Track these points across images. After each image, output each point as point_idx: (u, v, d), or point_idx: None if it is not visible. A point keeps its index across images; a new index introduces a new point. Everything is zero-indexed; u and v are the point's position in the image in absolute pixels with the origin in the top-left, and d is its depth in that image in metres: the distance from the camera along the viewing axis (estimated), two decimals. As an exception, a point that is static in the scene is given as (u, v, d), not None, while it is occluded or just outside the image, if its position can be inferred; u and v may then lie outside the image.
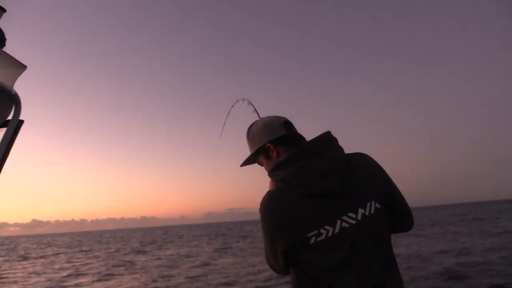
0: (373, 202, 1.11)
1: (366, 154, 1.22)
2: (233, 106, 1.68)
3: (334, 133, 1.20)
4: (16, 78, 1.07)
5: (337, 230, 1.05)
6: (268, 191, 1.15)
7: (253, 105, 1.60)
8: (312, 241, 1.04)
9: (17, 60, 1.05)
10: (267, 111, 1.38)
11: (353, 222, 1.07)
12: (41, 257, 24.90)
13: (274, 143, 1.20)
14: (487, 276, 7.70)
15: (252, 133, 1.27)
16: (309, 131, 1.27)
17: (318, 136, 1.16)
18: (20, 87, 1.07)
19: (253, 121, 1.33)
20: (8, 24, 1.05)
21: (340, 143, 1.19)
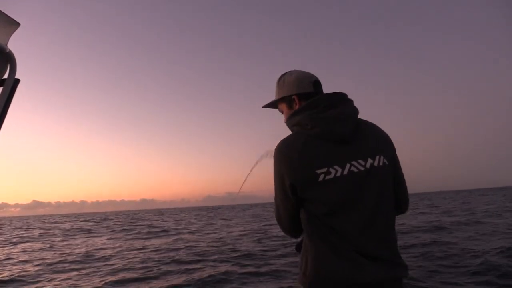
0: (382, 157, 1.15)
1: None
2: (257, 163, 1.58)
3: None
4: (9, 36, 1.02)
5: (346, 172, 1.09)
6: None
7: None
8: (321, 178, 1.08)
9: (9, 17, 1.00)
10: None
11: (362, 168, 1.11)
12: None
13: (300, 97, 1.28)
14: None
15: (283, 81, 1.33)
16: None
17: (334, 92, 1.22)
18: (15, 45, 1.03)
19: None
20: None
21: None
